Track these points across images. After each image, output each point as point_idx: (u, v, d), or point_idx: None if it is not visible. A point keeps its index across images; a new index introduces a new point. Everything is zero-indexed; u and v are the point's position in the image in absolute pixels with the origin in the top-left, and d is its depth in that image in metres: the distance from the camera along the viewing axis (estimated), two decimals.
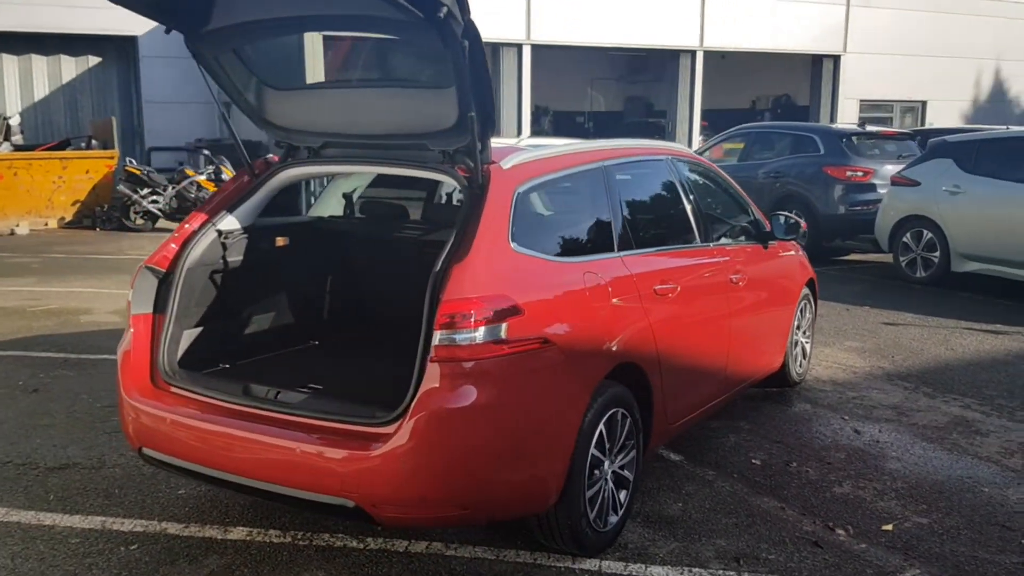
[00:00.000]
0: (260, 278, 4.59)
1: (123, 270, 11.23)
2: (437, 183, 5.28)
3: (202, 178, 15.03)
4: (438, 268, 3.47)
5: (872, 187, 12.13)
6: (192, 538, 4.13)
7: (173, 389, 3.96)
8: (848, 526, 4.39)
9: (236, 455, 3.62)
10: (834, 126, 14.19)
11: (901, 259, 10.96)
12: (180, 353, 4.14)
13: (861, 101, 22.87)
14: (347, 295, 5.18)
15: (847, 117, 22.05)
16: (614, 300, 4.04)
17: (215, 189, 14.79)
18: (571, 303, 3.81)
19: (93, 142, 16.79)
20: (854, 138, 12.61)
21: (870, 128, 13.19)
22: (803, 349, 6.59)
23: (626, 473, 4.15)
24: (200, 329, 4.28)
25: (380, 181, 5.44)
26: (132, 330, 4.07)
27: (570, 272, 3.91)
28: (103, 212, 15.63)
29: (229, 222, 4.32)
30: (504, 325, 3.39)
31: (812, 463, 5.18)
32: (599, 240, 4.27)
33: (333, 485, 3.41)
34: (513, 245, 3.65)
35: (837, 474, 5.03)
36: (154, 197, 15.13)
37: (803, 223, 5.94)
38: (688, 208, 5.03)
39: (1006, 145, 10.30)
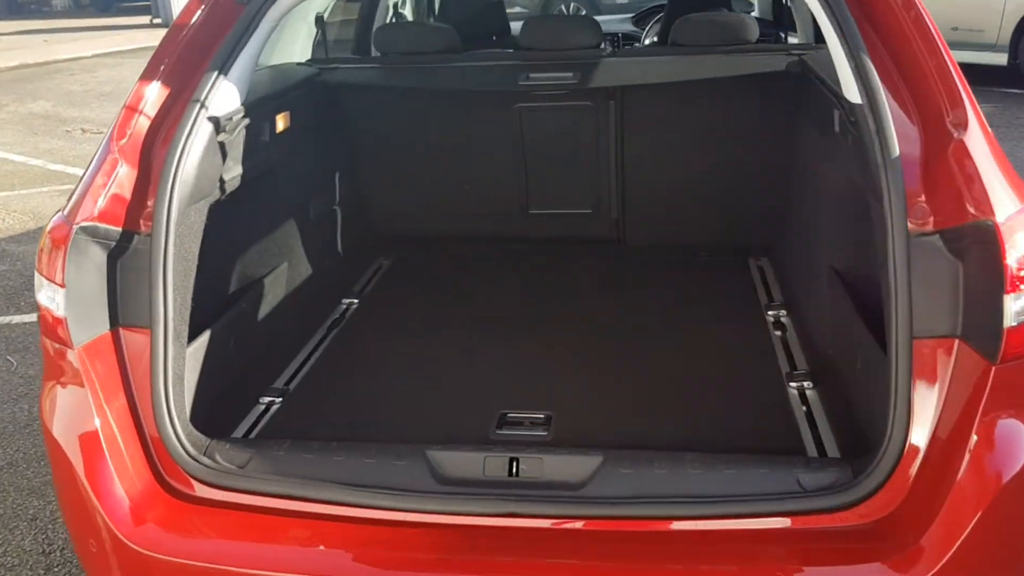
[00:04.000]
0: (260, 202, 2.33)
1: None
2: None
3: None
4: (895, 151, 1.61)
5: None
6: None
7: (218, 495, 1.76)
8: None
9: None
10: None
11: None
12: (190, 402, 1.89)
13: None
14: (367, 203, 2.98)
15: None
16: None
17: None
18: None
19: None
20: None
21: None
22: None
23: None
24: (207, 335, 2.01)
25: None
26: (87, 381, 1.73)
27: None
28: None
29: (224, 97, 1.98)
30: None
31: None
32: None
33: None
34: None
35: None
36: None
37: None
38: None
39: None
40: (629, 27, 4.99)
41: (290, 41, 3.00)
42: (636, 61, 2.87)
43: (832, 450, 1.95)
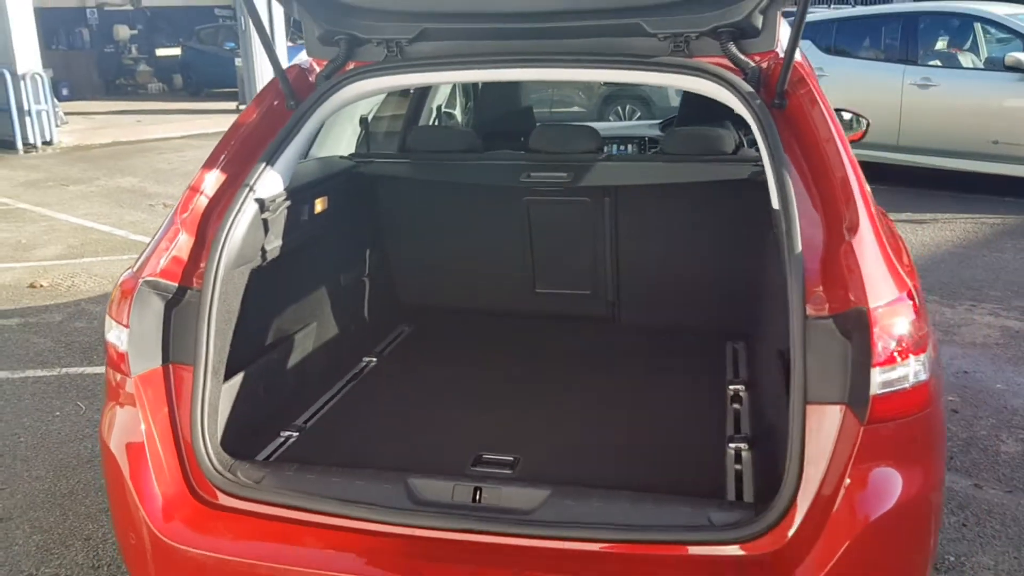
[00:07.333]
0: (297, 270, 2.77)
1: None
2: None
3: None
4: (798, 249, 1.97)
5: None
6: None
7: (238, 504, 2.15)
8: None
9: None
10: None
11: None
12: (222, 428, 2.30)
13: None
14: (394, 278, 3.42)
15: None
16: None
17: None
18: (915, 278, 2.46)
19: None
20: None
21: None
22: None
23: None
24: (241, 376, 2.43)
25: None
26: (139, 404, 2.15)
27: (889, 225, 2.56)
28: None
29: (270, 183, 2.45)
30: (931, 344, 1.99)
31: None
32: None
33: None
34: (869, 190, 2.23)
35: (980, 425, 4.16)
36: None
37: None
38: None
39: (865, 23, 9.92)
40: (656, 132, 5.44)
41: (338, 137, 3.50)
42: (625, 165, 3.30)
43: (749, 498, 2.26)
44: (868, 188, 2.19)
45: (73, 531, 3.33)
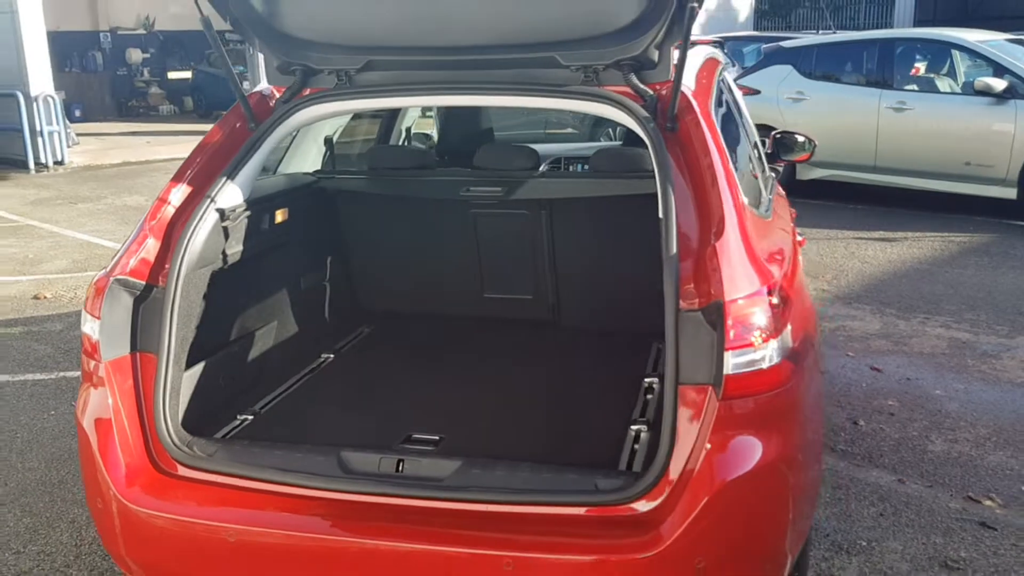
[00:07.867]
0: (257, 273, 3.10)
1: None
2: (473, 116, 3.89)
3: None
4: (673, 251, 2.28)
5: None
6: None
7: (192, 474, 2.47)
8: (991, 494, 3.81)
9: None
10: None
11: None
12: (183, 410, 2.62)
13: None
14: (354, 283, 3.74)
15: None
16: (800, 270, 3.03)
17: None
18: (799, 281, 2.77)
19: None
20: None
21: None
22: None
23: None
24: (202, 365, 2.75)
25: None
26: (108, 387, 2.48)
27: (781, 233, 2.87)
28: None
29: (230, 195, 2.78)
30: (789, 329, 2.30)
31: (875, 417, 4.57)
32: (758, 182, 3.21)
33: None
34: (745, 202, 2.54)
35: (913, 427, 4.45)
36: None
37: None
38: (757, 140, 4.08)
39: (844, 49, 10.26)
40: None
41: (304, 156, 3.84)
42: (558, 181, 3.63)
43: (639, 469, 2.55)
44: (743, 199, 2.51)
45: (60, 515, 3.65)
